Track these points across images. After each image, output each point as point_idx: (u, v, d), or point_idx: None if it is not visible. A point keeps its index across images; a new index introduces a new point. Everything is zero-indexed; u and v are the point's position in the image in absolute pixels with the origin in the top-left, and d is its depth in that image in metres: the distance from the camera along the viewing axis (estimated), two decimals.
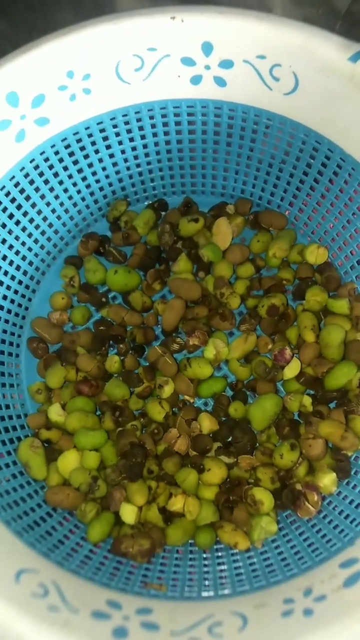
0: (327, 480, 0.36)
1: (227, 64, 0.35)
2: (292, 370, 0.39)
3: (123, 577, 0.31)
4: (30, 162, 0.37)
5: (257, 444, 0.39)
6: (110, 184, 0.43)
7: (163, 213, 0.45)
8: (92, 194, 0.43)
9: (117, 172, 0.43)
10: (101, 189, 0.43)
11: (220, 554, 0.35)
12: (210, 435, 0.39)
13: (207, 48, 0.34)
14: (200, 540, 0.35)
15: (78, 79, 0.35)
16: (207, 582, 0.31)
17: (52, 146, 0.38)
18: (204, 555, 0.35)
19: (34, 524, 0.33)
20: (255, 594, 0.29)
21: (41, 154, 0.38)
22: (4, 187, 0.37)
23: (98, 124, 0.38)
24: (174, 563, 0.34)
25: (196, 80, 0.36)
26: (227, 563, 0.34)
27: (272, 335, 0.41)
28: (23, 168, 0.37)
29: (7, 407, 0.40)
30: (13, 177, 0.37)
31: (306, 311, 0.41)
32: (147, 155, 0.42)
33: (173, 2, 0.57)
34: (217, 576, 0.32)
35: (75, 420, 0.38)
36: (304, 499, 0.35)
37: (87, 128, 0.38)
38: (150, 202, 0.45)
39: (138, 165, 0.43)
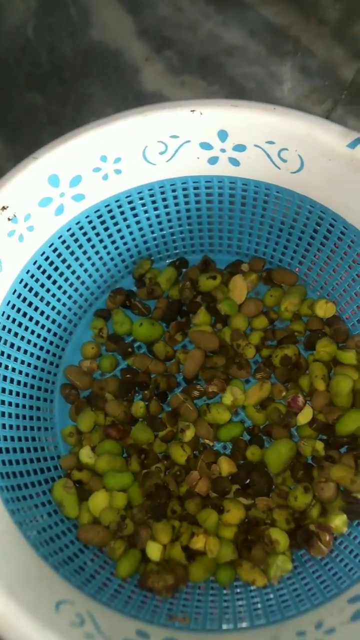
0: (339, 521, 0.37)
1: (240, 147, 0.39)
2: (304, 416, 0.41)
3: (150, 610, 0.34)
4: (67, 230, 0.42)
5: (273, 487, 0.41)
6: (136, 245, 0.47)
7: (184, 270, 0.49)
8: (120, 254, 0.47)
9: (143, 236, 0.47)
10: (128, 249, 0.47)
11: (239, 590, 0.37)
12: (229, 477, 0.41)
13: (223, 135, 0.38)
14: (221, 577, 0.37)
15: (110, 161, 0.39)
16: (227, 616, 0.34)
17: (87, 217, 0.42)
18: (224, 591, 0.37)
19: (68, 559, 0.36)
20: (271, 627, 0.31)
21: (77, 223, 0.42)
22: (44, 252, 0.41)
23: (127, 197, 0.43)
24: (196, 598, 0.36)
25: (213, 160, 0.40)
26: (245, 598, 0.36)
27: (285, 383, 0.44)
28: (61, 236, 0.42)
29: (42, 449, 0.43)
30: (52, 244, 0.41)
31: (317, 361, 0.43)
32: (169, 221, 0.46)
33: (193, 75, 0.63)
34: (237, 610, 0.34)
35: (104, 463, 0.41)
36: (317, 539, 0.37)
37: (117, 201, 0.42)
38: (172, 260, 0.49)
39: (161, 230, 0.47)
